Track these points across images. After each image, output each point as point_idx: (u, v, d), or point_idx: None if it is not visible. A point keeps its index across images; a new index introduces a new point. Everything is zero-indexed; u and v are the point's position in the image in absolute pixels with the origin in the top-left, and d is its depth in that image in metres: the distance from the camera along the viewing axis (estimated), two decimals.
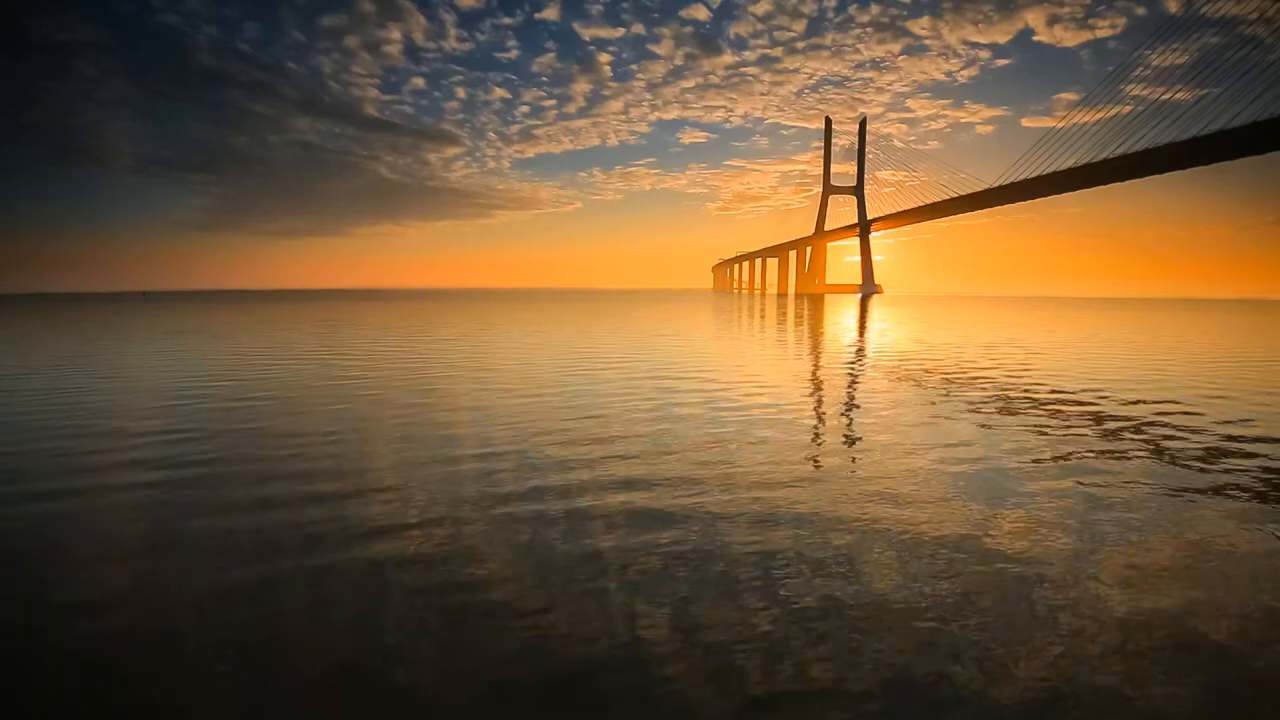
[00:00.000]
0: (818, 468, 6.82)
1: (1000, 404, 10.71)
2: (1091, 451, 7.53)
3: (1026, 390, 12.30)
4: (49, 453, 7.52)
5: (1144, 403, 10.92)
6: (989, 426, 8.86)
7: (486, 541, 4.82)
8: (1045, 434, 8.43)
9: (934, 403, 10.75)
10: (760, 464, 6.93)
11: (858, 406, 10.65)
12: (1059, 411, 10.03)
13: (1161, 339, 26.86)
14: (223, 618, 3.71)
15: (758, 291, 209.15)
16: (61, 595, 4.01)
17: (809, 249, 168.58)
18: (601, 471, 6.62)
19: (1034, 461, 7.04)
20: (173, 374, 14.57)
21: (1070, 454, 7.37)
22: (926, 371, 15.10)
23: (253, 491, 6.01)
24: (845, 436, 8.39)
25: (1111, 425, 9.08)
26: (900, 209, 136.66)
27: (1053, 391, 12.17)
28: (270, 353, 19.21)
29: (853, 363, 17.10)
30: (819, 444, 7.92)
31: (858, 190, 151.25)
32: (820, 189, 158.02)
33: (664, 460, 7.07)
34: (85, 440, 8.15)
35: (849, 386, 12.86)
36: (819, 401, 11.07)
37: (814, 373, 14.95)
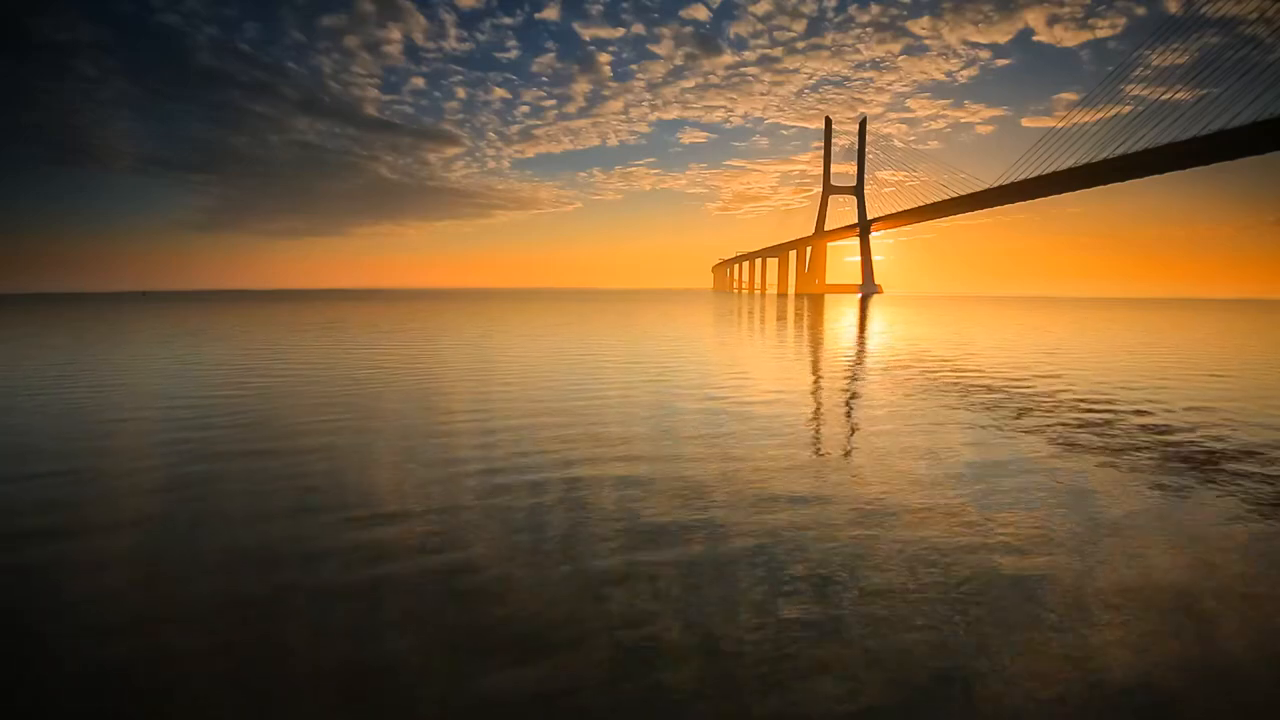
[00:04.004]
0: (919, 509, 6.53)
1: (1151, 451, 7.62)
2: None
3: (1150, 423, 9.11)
4: (56, 456, 7.52)
5: None
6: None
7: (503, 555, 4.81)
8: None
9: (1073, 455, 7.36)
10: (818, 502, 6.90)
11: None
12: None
13: (1208, 342, 26.82)
14: (235, 611, 3.73)
15: (758, 291, 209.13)
16: (64, 597, 4.02)
17: (809, 249, 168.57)
18: (622, 484, 6.61)
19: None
20: (192, 376, 14.55)
21: None
22: (1018, 404, 11.27)
23: (254, 501, 6.01)
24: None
25: None
26: (900, 209, 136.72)
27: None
28: (276, 356, 19.21)
29: (902, 380, 15.40)
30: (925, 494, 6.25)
31: (858, 190, 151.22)
32: (820, 189, 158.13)
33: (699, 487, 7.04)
34: (96, 443, 8.16)
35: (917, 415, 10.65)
36: (869, 430, 9.28)
37: (848, 388, 14.76)
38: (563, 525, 5.19)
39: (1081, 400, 11.31)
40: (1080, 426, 9.08)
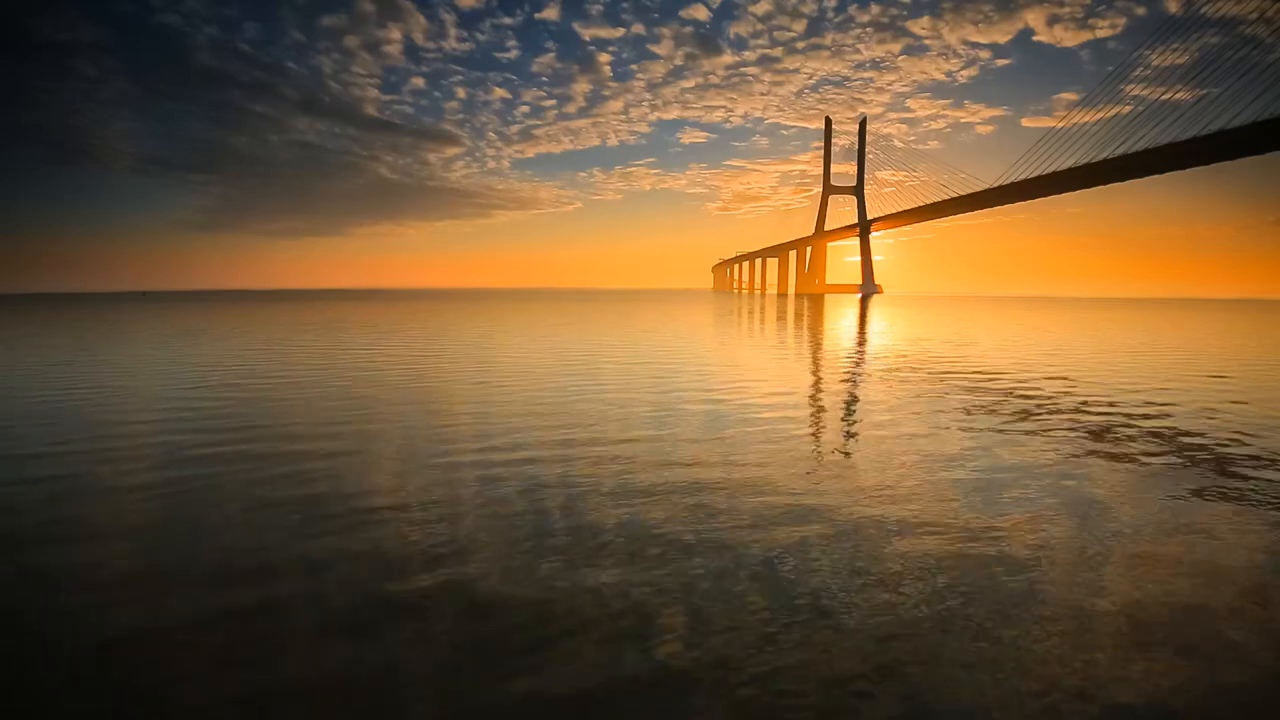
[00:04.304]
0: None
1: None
2: None
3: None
4: (62, 454, 7.51)
5: None
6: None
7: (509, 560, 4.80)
8: None
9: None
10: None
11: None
12: None
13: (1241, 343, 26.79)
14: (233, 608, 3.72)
15: (758, 291, 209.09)
16: (65, 595, 4.01)
17: (809, 249, 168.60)
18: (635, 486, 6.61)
19: None
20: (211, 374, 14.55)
21: None
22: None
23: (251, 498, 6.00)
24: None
25: None
26: (900, 209, 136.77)
27: None
28: (276, 356, 19.19)
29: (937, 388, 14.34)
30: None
31: (858, 190, 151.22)
32: (820, 189, 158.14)
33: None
34: (100, 442, 8.15)
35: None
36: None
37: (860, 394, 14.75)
38: (564, 531, 5.18)
39: (1088, 403, 11.25)
40: (1089, 430, 9.05)
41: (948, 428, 8.89)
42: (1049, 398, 11.57)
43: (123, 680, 3.17)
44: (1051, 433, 8.63)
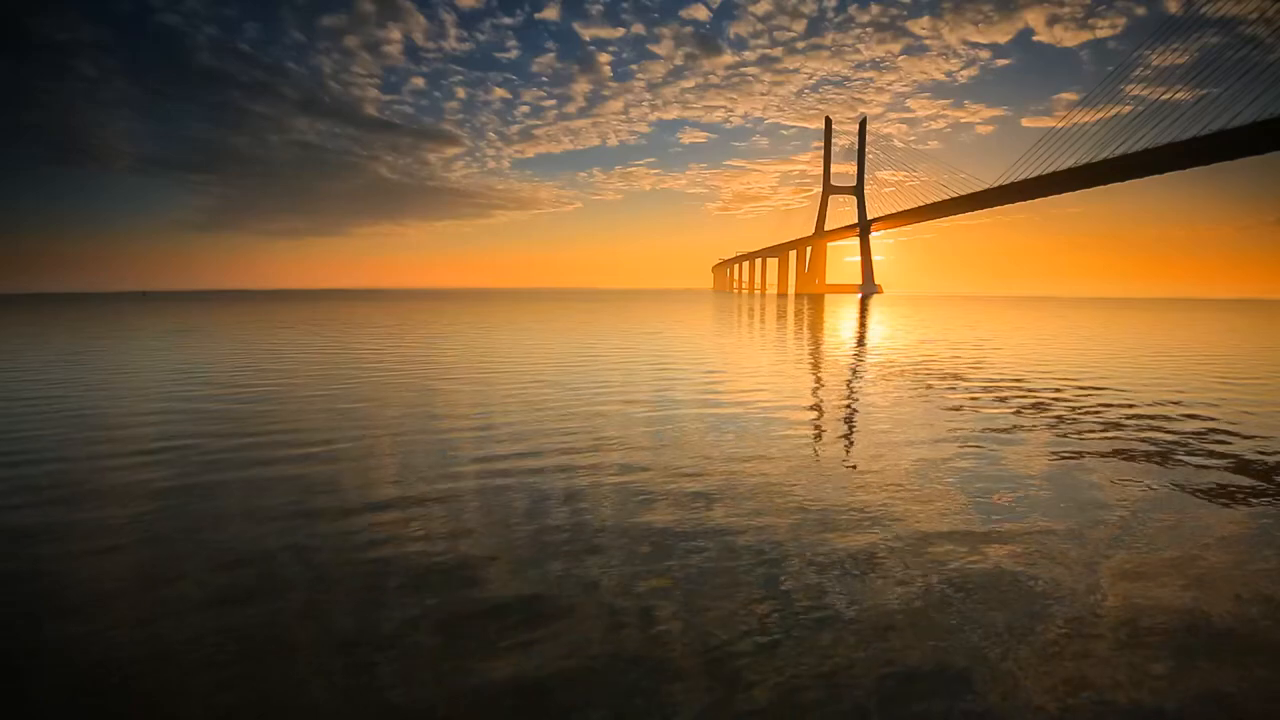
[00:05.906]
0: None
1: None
2: None
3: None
4: (55, 454, 7.49)
5: None
6: None
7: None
8: None
9: None
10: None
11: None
12: None
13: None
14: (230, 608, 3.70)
15: (758, 291, 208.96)
16: (63, 591, 3.99)
17: (809, 249, 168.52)
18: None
19: None
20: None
21: None
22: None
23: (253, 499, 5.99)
24: None
25: None
26: (900, 209, 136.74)
27: None
28: (275, 357, 19.17)
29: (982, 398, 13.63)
30: None
31: (858, 190, 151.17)
32: (820, 189, 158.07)
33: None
34: (96, 439, 8.13)
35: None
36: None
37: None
38: (566, 539, 5.17)
39: (1134, 414, 10.49)
40: (1150, 447, 8.70)
41: (986, 444, 8.53)
42: (1090, 410, 10.78)
43: (119, 695, 3.14)
44: (1113, 452, 7.90)
